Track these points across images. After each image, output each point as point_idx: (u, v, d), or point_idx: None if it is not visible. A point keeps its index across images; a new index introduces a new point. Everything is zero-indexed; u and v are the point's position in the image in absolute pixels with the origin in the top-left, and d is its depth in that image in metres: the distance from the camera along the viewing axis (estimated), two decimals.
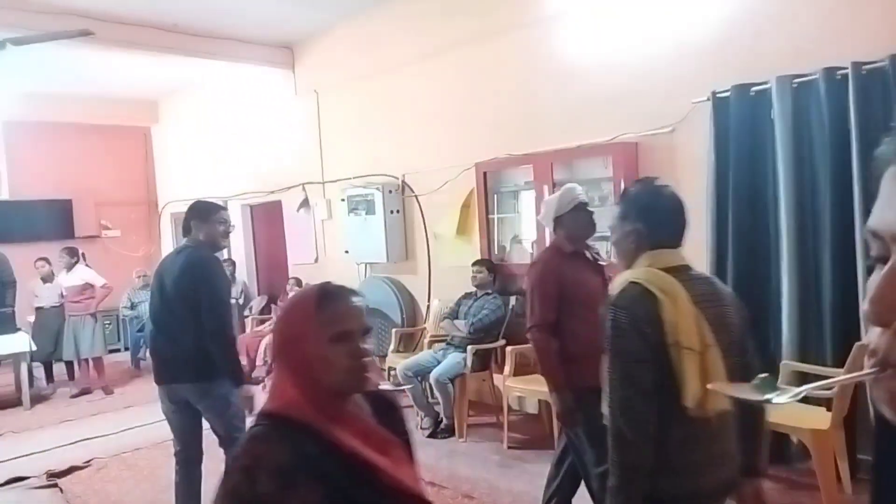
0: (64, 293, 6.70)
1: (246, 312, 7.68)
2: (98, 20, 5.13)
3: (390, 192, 6.02)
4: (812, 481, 3.20)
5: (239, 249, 8.32)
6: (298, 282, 7.07)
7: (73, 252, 6.81)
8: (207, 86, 8.32)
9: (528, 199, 5.16)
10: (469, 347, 4.65)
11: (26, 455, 4.85)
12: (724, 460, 1.64)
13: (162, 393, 3.20)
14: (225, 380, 3.03)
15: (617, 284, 1.68)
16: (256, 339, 6.84)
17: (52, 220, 8.76)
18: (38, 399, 6.56)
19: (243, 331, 7.28)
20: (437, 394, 4.65)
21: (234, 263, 7.65)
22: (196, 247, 3.21)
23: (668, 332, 1.54)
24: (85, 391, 6.73)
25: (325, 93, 6.80)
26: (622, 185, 4.30)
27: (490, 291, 4.93)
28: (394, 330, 5.68)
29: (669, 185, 1.89)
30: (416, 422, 4.98)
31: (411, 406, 5.06)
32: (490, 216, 5.25)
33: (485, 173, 5.22)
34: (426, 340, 5.22)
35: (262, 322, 7.27)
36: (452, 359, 4.70)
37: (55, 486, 4.29)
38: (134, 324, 7.92)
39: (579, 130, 4.68)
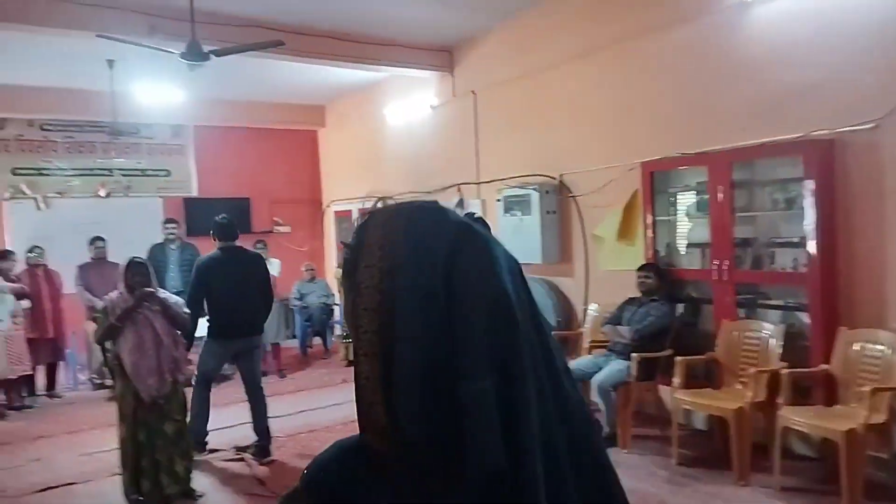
0: None
1: None
2: (284, 31, 5.56)
3: (547, 192, 5.95)
4: None
5: None
6: None
7: (264, 245, 7.53)
8: (369, 90, 8.74)
9: (699, 200, 4.87)
10: (634, 355, 4.47)
11: (217, 429, 5.36)
12: None
13: (228, 344, 4.63)
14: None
15: None
16: None
17: (233, 217, 9.60)
18: (221, 379, 7.25)
19: None
20: (598, 401, 4.52)
21: None
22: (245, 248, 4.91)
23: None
24: (262, 374, 7.33)
25: (482, 93, 6.87)
26: (815, 187, 3.92)
27: (657, 298, 4.70)
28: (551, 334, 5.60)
29: None
30: None
31: None
32: (657, 218, 5.01)
33: (651, 173, 5.00)
34: (585, 345, 5.09)
35: None
36: (615, 366, 4.54)
37: (241, 459, 4.72)
38: (303, 314, 8.49)
39: (762, 127, 4.32)
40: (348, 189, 9.64)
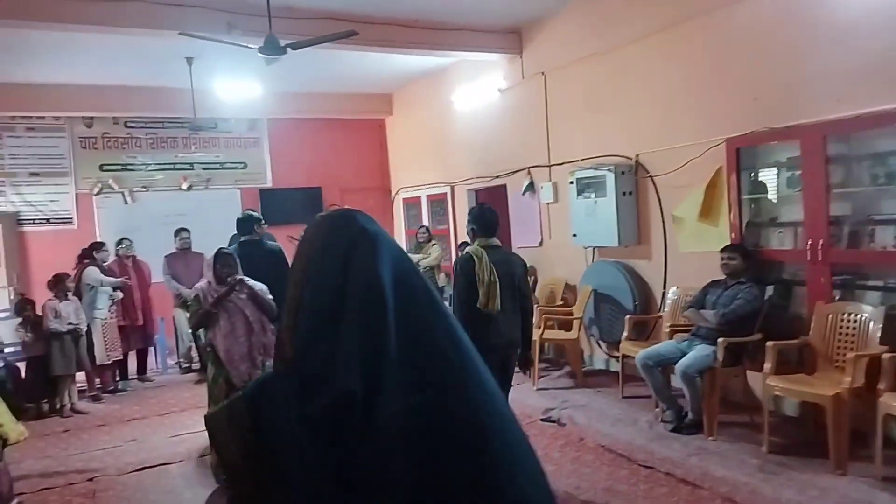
0: None
1: None
2: (355, 22, 5.61)
3: (623, 173, 5.79)
4: None
5: (464, 232, 8.64)
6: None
7: None
8: (436, 77, 8.72)
9: (790, 177, 4.62)
10: (720, 340, 4.30)
11: None
12: (502, 332, 3.58)
13: None
14: None
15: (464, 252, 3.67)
16: None
17: (306, 206, 9.88)
18: None
19: None
20: (682, 387, 4.38)
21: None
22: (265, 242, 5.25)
23: (477, 273, 3.49)
24: None
25: (552, 74, 6.74)
26: None
27: (744, 280, 4.50)
28: (627, 317, 5.47)
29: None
30: (654, 414, 4.78)
31: (650, 396, 4.87)
32: (743, 197, 4.79)
33: (737, 150, 4.77)
34: (666, 329, 4.94)
35: None
36: (700, 351, 4.39)
37: None
38: None
39: (860, 97, 4.04)
40: (416, 176, 9.69)
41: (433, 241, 8.21)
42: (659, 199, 5.64)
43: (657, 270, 5.71)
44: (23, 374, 6.04)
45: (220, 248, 4.01)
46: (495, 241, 3.72)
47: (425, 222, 9.24)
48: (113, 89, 8.21)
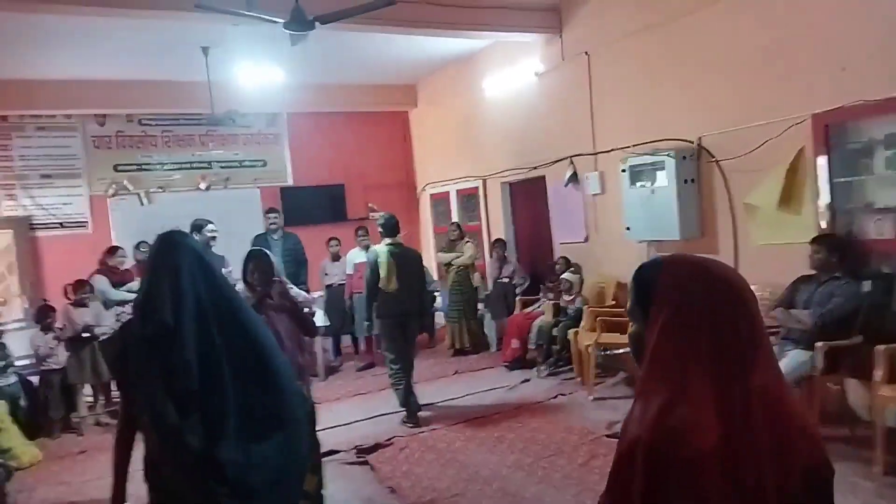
0: (351, 271, 7.08)
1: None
2: None
3: (684, 158, 5.24)
4: None
5: (498, 229, 8.15)
6: (567, 262, 6.64)
7: (365, 233, 7.24)
8: (465, 63, 8.21)
9: (891, 156, 4.05)
10: (819, 344, 3.75)
11: (331, 427, 5.05)
12: (401, 305, 5.10)
13: None
14: None
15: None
16: (528, 320, 6.55)
17: (329, 205, 9.43)
18: (328, 371, 7.02)
19: (511, 312, 7.06)
20: None
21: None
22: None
23: (381, 265, 5.15)
24: (369, 365, 7.05)
25: (597, 54, 6.19)
26: None
27: (839, 275, 3.95)
28: None
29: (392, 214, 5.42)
30: None
31: None
32: (834, 180, 4.23)
33: (826, 126, 4.21)
34: None
35: (529, 304, 6.95)
36: (795, 357, 3.84)
37: (365, 462, 4.36)
38: None
39: None
40: (444, 171, 9.18)
41: (466, 239, 7.70)
42: (727, 187, 5.08)
43: None
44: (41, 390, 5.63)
45: (253, 249, 3.48)
46: (398, 239, 5.35)
47: (455, 219, 8.74)
48: (126, 84, 7.78)
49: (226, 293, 2.03)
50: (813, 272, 4.09)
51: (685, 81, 5.31)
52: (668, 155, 5.23)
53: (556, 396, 5.47)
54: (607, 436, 4.41)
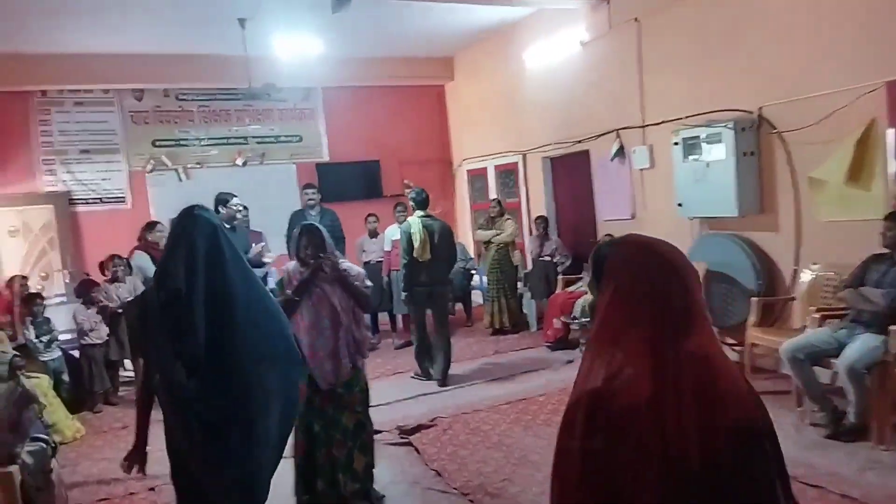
0: (388, 248, 6.95)
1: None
2: None
3: (743, 129, 4.95)
4: None
5: (538, 205, 7.92)
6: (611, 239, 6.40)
7: (403, 208, 7.10)
8: (505, 33, 7.93)
9: None
10: (893, 328, 3.50)
11: (372, 406, 4.96)
12: (431, 275, 5.51)
13: None
14: None
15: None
16: (570, 300, 6.35)
17: (364, 181, 9.29)
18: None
19: (552, 291, 6.87)
20: (846, 385, 3.61)
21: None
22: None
23: (414, 236, 5.46)
24: (407, 343, 6.93)
25: (648, 20, 5.88)
26: None
27: None
28: (753, 299, 4.68)
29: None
30: (797, 415, 4.02)
31: (787, 392, 4.12)
32: None
33: None
34: (814, 315, 4.12)
35: (571, 283, 6.74)
36: (867, 342, 3.59)
37: (408, 443, 4.26)
38: None
39: None
40: (482, 146, 8.96)
41: (506, 216, 7.49)
42: (789, 160, 4.79)
43: (786, 244, 4.89)
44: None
45: (305, 223, 3.34)
46: (428, 212, 5.72)
47: (493, 195, 8.53)
48: (163, 58, 7.72)
49: (235, 270, 2.16)
50: (885, 251, 3.81)
51: (744, 48, 5.00)
52: (725, 126, 4.95)
53: None
54: None
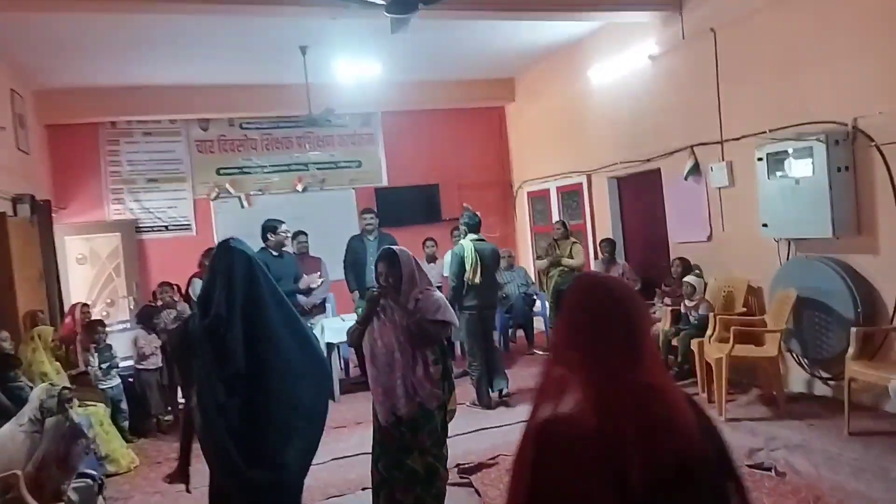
0: (447, 273, 6.72)
1: None
2: None
3: (836, 142, 4.49)
4: None
5: (604, 228, 7.55)
6: (686, 264, 5.98)
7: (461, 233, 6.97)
8: (569, 51, 7.68)
9: None
10: None
11: None
12: (482, 298, 5.48)
13: None
14: None
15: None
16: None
17: (423, 205, 9.15)
18: None
19: None
20: None
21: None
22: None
23: (466, 258, 5.42)
24: (464, 373, 6.64)
25: (725, 30, 5.50)
26: None
27: None
28: (853, 329, 4.18)
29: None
30: None
31: (890, 433, 3.61)
32: None
33: None
34: None
35: None
36: None
37: (469, 483, 3.96)
38: (503, 305, 7.70)
39: None
40: (543, 167, 8.68)
41: (573, 239, 7.15)
42: (890, 176, 4.30)
43: (888, 268, 4.37)
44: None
45: (385, 247, 3.11)
46: (480, 236, 5.66)
47: (556, 217, 8.22)
48: (227, 89, 7.86)
49: (269, 297, 2.41)
50: None
51: (831, 55, 4.56)
52: (817, 139, 4.51)
53: None
54: (748, 465, 3.77)
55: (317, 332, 6.10)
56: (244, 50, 6.65)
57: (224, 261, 2.37)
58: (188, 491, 2.50)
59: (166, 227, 8.36)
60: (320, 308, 6.27)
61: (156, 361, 5.48)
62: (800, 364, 5.06)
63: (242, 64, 7.12)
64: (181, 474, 2.47)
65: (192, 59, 6.83)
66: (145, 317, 5.75)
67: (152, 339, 5.56)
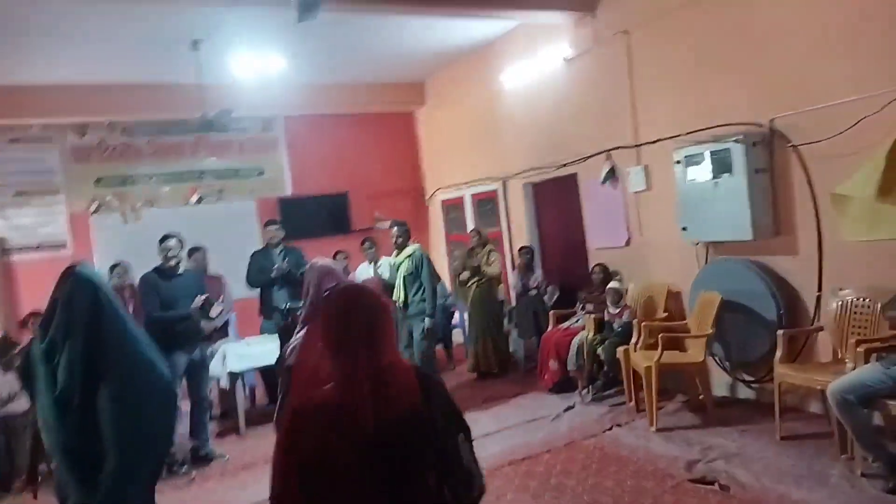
0: None
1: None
2: None
3: (754, 144, 4.49)
4: None
5: (521, 235, 7.39)
6: (606, 270, 5.88)
7: (371, 244, 6.70)
8: (480, 54, 7.48)
9: None
10: None
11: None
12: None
13: None
14: None
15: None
16: (567, 338, 5.76)
17: (332, 215, 8.67)
18: None
19: (540, 328, 6.29)
20: None
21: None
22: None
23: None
24: None
25: (640, 31, 5.45)
26: None
27: None
28: (779, 332, 4.15)
29: None
30: (845, 464, 3.47)
31: (826, 436, 3.57)
32: None
33: None
34: (858, 349, 3.60)
35: (564, 318, 6.16)
36: None
37: None
38: None
39: None
40: (457, 174, 8.44)
41: (490, 247, 6.92)
42: (808, 176, 4.33)
43: (807, 268, 4.40)
44: None
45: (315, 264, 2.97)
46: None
47: (471, 225, 7.98)
48: (108, 88, 7.05)
49: (112, 321, 2.60)
50: None
51: (748, 56, 4.58)
52: (734, 141, 4.49)
53: (611, 428, 4.67)
54: (691, 480, 3.63)
55: (217, 359, 5.49)
56: (127, 44, 5.93)
57: (65, 287, 2.51)
58: (35, 497, 2.83)
59: (38, 245, 7.39)
60: (221, 332, 5.64)
61: (22, 404, 4.67)
62: (722, 368, 5.04)
63: (125, 60, 6.37)
64: (29, 481, 2.86)
65: (66, 56, 6.02)
66: (1, 352, 4.92)
67: (10, 378, 4.74)
